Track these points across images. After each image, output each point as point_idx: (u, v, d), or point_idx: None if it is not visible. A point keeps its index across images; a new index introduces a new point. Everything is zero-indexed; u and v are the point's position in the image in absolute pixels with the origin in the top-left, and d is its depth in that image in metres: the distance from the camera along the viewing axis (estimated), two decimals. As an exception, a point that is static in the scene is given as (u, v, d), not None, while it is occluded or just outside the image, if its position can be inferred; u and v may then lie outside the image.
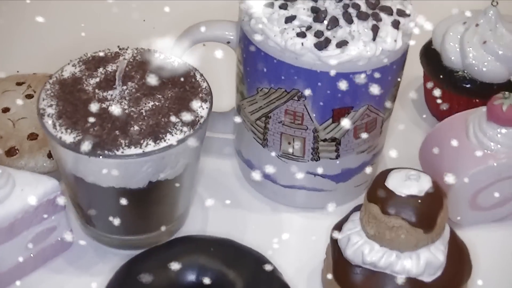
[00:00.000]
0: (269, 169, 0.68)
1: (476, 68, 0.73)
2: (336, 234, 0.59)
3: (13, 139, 0.70)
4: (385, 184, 0.56)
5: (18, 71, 0.81)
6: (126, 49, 0.64)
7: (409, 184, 0.56)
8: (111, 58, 0.63)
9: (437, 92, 0.77)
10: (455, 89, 0.75)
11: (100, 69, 0.62)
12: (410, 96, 0.82)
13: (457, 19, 0.76)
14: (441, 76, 0.76)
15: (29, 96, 0.74)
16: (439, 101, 0.77)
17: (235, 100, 0.70)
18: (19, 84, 0.76)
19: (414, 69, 0.76)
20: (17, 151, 0.69)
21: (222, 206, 0.70)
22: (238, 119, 0.69)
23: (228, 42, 0.67)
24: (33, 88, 0.75)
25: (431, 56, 0.77)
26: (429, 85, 0.78)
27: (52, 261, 0.65)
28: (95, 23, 0.89)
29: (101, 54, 0.64)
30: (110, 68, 0.62)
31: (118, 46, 0.64)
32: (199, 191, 0.71)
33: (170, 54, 0.65)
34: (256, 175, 0.70)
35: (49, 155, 0.68)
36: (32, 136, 0.70)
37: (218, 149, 0.75)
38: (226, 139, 0.74)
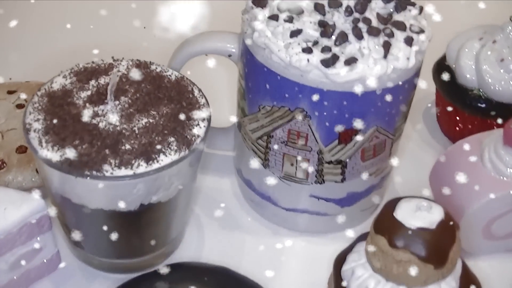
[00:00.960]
0: (270, 191, 0.64)
1: (492, 87, 0.69)
2: (340, 265, 0.55)
3: (0, 151, 0.66)
4: (394, 214, 0.52)
5: (10, 78, 0.78)
6: (121, 61, 0.61)
7: (419, 215, 0.52)
8: (105, 69, 0.59)
9: (450, 111, 0.73)
10: (469, 109, 0.71)
11: (92, 82, 0.58)
12: (422, 114, 0.78)
13: (473, 34, 0.72)
14: (455, 95, 0.72)
15: (20, 106, 0.71)
16: (452, 120, 0.73)
17: (236, 115, 0.66)
18: (10, 92, 0.72)
19: (426, 85, 0.72)
20: (4, 165, 0.66)
21: (220, 227, 0.66)
22: (238, 136, 0.65)
23: (230, 55, 0.63)
24: (24, 97, 0.72)
25: (444, 72, 0.73)
26: (442, 103, 0.74)
27: (37, 283, 0.61)
28: (94, 30, 0.86)
29: (94, 65, 0.60)
30: (103, 80, 0.58)
31: (113, 57, 0.61)
32: (196, 211, 0.67)
33: (168, 67, 0.61)
34: (256, 197, 0.66)
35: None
36: (21, 149, 0.67)
37: (217, 167, 0.71)
38: (226, 156, 0.70)
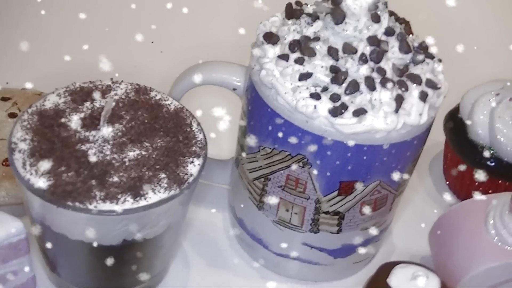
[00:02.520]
0: (262, 234, 0.61)
1: (504, 146, 0.66)
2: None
3: (-14, 162, 0.64)
4: (388, 281, 0.49)
5: (7, 83, 0.75)
6: (120, 83, 0.58)
7: (414, 285, 0.49)
8: (101, 91, 0.57)
9: (457, 165, 0.70)
10: (478, 166, 0.68)
11: (87, 103, 0.55)
12: (428, 163, 0.75)
13: (489, 88, 0.69)
14: (464, 149, 0.69)
15: (13, 115, 0.68)
16: (458, 175, 0.70)
17: (235, 151, 0.63)
18: (4, 99, 0.70)
19: (435, 134, 0.69)
20: (-11, 177, 0.63)
21: (207, 265, 0.63)
22: (235, 173, 0.62)
23: (234, 89, 0.60)
24: (18, 106, 0.69)
25: (456, 125, 0.70)
26: (450, 156, 0.71)
27: (9, 307, 0.58)
28: (102, 41, 0.83)
29: (91, 85, 0.57)
30: (98, 103, 0.55)
31: (111, 79, 0.58)
32: (184, 245, 0.64)
33: (168, 95, 0.58)
34: (247, 237, 0.63)
35: (23, 186, 0.62)
36: (8, 162, 0.63)
37: (211, 199, 0.68)
38: (221, 189, 0.67)
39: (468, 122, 0.68)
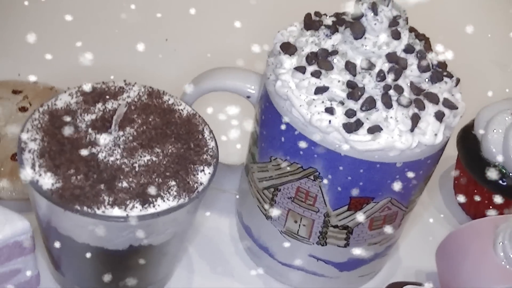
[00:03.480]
0: (269, 243, 0.61)
1: (517, 166, 0.65)
2: None
3: (-5, 156, 0.63)
4: (395, 302, 0.49)
5: (19, 74, 0.75)
6: (133, 85, 0.57)
7: (421, 308, 0.48)
8: (114, 93, 0.56)
9: (468, 182, 0.69)
10: (489, 185, 0.67)
11: (99, 105, 0.55)
12: (438, 178, 0.74)
13: (506, 106, 0.69)
14: (477, 167, 0.68)
15: (23, 109, 0.68)
16: (469, 192, 0.70)
17: (245, 158, 0.62)
18: (15, 92, 0.69)
19: (448, 148, 0.68)
20: (-4, 171, 0.62)
21: (211, 271, 0.63)
22: (245, 180, 0.62)
23: (248, 97, 0.59)
24: (29, 100, 0.69)
25: (469, 141, 0.69)
26: (461, 172, 0.71)
27: (11, 304, 0.58)
28: (116, 38, 0.82)
29: (104, 86, 0.56)
30: (110, 105, 0.55)
31: (125, 81, 0.57)
32: (189, 249, 0.64)
33: (180, 99, 0.58)
34: (254, 245, 0.62)
35: (31, 183, 0.61)
36: (16, 157, 0.63)
37: (218, 204, 0.67)
38: (229, 195, 0.67)
39: (481, 132, 0.67)
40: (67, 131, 0.52)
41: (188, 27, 0.85)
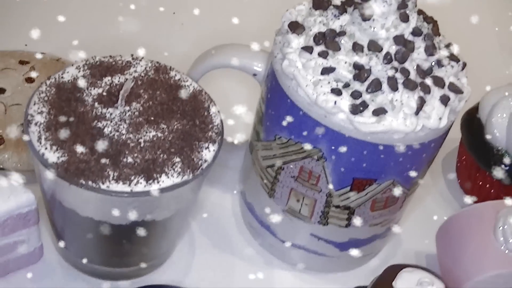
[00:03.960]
0: (271, 221, 0.61)
1: (520, 152, 0.66)
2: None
3: (1, 126, 0.63)
4: (393, 284, 0.49)
5: (26, 45, 0.74)
6: (140, 60, 0.57)
7: (420, 290, 0.49)
8: (121, 67, 0.56)
9: (471, 166, 0.70)
10: (492, 169, 0.67)
11: (106, 79, 0.55)
12: (441, 161, 0.74)
13: (511, 91, 0.68)
14: (480, 150, 0.68)
15: (30, 80, 0.68)
16: (471, 175, 0.70)
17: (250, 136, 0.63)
18: (22, 63, 0.70)
19: (451, 131, 0.68)
20: (2, 141, 0.63)
21: (212, 246, 0.64)
22: (248, 158, 0.62)
23: (255, 75, 0.59)
24: (36, 70, 0.69)
25: (473, 125, 0.69)
26: (464, 155, 0.71)
27: (15, 273, 0.58)
28: (123, 9, 0.82)
29: (111, 60, 0.56)
30: (117, 79, 0.55)
31: (132, 55, 0.57)
32: (192, 224, 0.64)
33: (187, 74, 0.58)
34: (256, 223, 0.63)
35: (36, 154, 0.62)
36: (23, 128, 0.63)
37: (221, 181, 0.67)
38: (232, 172, 0.67)
39: (486, 123, 0.67)
40: (74, 104, 0.52)
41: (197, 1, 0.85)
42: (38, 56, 0.70)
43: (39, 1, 0.82)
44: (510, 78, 0.72)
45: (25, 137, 0.51)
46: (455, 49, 0.55)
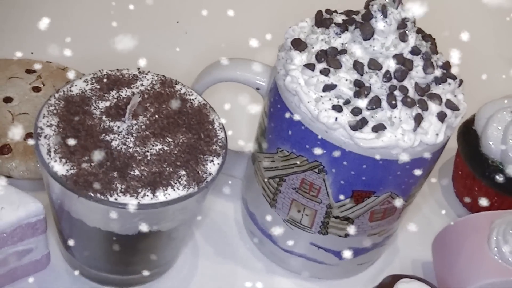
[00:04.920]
0: (272, 230, 0.63)
1: (515, 163, 0.67)
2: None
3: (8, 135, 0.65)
4: (391, 295, 0.51)
5: (32, 53, 0.76)
6: (146, 74, 0.59)
7: (417, 301, 0.51)
8: (128, 81, 0.58)
9: (467, 176, 0.71)
10: (487, 180, 0.69)
11: (113, 92, 0.57)
12: (438, 169, 0.76)
13: (507, 104, 0.70)
14: (475, 161, 0.70)
15: (36, 89, 0.69)
16: (467, 185, 0.72)
17: (252, 147, 0.64)
18: (29, 72, 0.71)
19: (448, 141, 0.71)
20: (10, 150, 0.64)
21: (215, 254, 0.65)
22: (251, 168, 0.64)
23: (258, 89, 0.61)
24: (42, 80, 0.70)
25: (469, 136, 0.71)
26: (460, 165, 0.73)
27: (22, 280, 0.60)
28: (128, 19, 0.83)
29: (118, 74, 0.58)
30: (124, 93, 0.57)
31: (138, 69, 0.59)
32: (195, 233, 0.66)
33: (191, 87, 0.60)
34: (257, 231, 0.64)
35: (43, 163, 0.63)
36: (29, 137, 0.65)
37: (225, 190, 0.69)
38: (235, 181, 0.69)
39: (481, 135, 0.69)
40: (82, 118, 0.54)
41: (201, 15, 0.87)
42: (44, 65, 0.71)
43: (45, 10, 0.83)
44: (506, 91, 0.73)
45: (35, 150, 0.52)
46: (452, 66, 0.57)
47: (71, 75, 0.69)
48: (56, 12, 0.83)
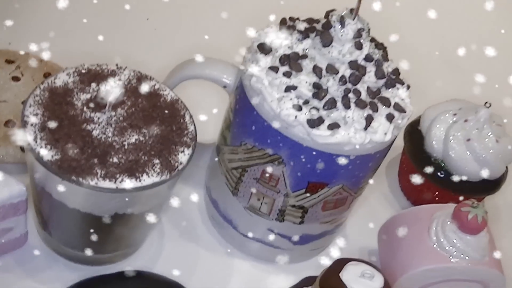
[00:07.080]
0: (233, 216, 0.69)
1: (454, 162, 0.74)
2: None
3: (-12, 122, 0.69)
4: (340, 275, 0.57)
5: (10, 43, 0.80)
6: (124, 69, 0.64)
7: (362, 281, 0.57)
8: (107, 75, 0.63)
9: (411, 172, 0.78)
10: (429, 176, 0.76)
11: (93, 85, 0.62)
12: (385, 165, 0.83)
13: (449, 107, 0.77)
14: (419, 159, 0.77)
15: (16, 79, 0.74)
16: (411, 182, 0.78)
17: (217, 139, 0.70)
18: (8, 62, 0.75)
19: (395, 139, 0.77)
20: (-10, 136, 0.69)
21: (180, 237, 0.71)
22: (215, 158, 0.69)
23: (225, 87, 0.67)
24: (21, 70, 0.75)
25: (414, 136, 0.78)
26: (405, 163, 0.79)
27: (0, 257, 0.64)
28: (101, 17, 0.87)
29: (98, 68, 0.63)
30: (103, 86, 0.62)
31: (117, 65, 0.64)
32: (162, 218, 0.71)
33: (164, 83, 0.65)
34: (219, 217, 0.70)
35: (23, 148, 0.68)
36: (9, 124, 0.70)
37: (191, 178, 0.74)
38: (200, 169, 0.74)
39: (425, 135, 0.75)
40: (65, 108, 0.59)
41: (174, 14, 0.91)
42: (22, 54, 0.75)
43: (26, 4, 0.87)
44: (448, 95, 0.80)
45: (23, 136, 0.57)
46: (401, 73, 0.64)
47: (49, 67, 0.74)
48: (36, 8, 0.86)
